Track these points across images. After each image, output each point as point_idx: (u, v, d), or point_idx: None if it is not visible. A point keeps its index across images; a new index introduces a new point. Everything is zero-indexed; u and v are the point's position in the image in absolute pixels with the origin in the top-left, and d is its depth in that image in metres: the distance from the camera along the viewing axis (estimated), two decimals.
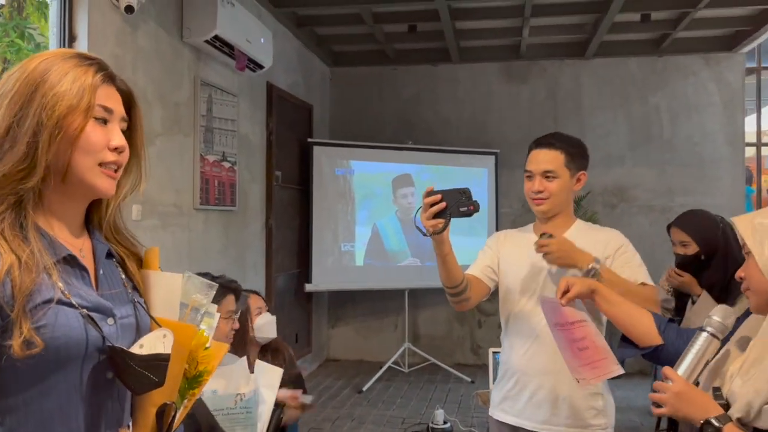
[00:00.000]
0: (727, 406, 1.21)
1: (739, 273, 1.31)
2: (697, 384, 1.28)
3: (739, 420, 1.17)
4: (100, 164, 1.03)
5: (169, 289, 1.13)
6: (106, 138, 1.03)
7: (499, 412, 2.09)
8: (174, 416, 1.10)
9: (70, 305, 0.97)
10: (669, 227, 2.88)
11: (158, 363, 1.01)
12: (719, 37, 6.00)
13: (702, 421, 1.19)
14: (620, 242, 2.01)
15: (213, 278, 1.35)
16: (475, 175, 6.13)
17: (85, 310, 0.98)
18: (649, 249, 6.24)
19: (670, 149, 6.21)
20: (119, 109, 1.06)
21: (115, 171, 1.05)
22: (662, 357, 1.53)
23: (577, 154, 2.01)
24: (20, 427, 0.95)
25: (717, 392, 1.25)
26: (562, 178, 1.98)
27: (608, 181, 6.20)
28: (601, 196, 6.22)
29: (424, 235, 1.76)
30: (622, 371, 1.61)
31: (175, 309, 1.13)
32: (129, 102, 1.10)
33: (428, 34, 5.79)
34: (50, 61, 1.02)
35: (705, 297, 2.61)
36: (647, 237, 6.25)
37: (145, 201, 3.37)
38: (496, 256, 2.11)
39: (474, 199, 1.72)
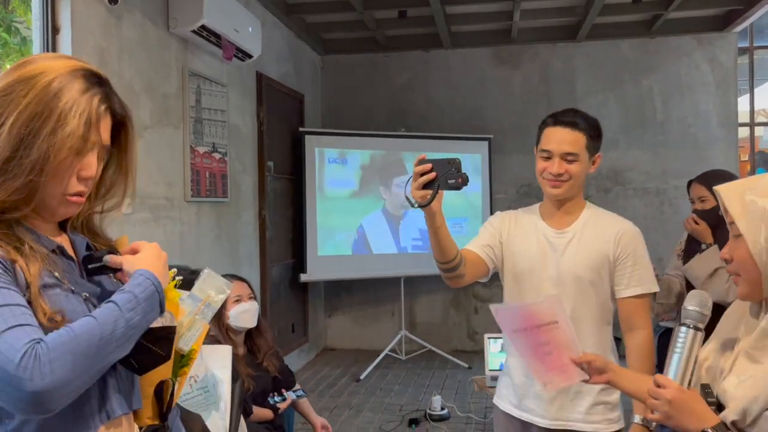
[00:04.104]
0: (718, 405, 1.14)
1: (725, 254, 1.20)
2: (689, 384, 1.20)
3: (733, 423, 1.11)
4: (67, 194, 1.05)
5: None
6: (76, 168, 1.05)
7: (506, 404, 1.98)
8: (172, 393, 1.14)
9: (71, 291, 1.03)
10: (690, 184, 2.94)
11: (166, 335, 1.06)
12: (711, 17, 5.96)
13: None
14: (632, 244, 1.90)
15: (192, 272, 1.42)
16: (468, 161, 6.10)
17: (86, 294, 1.05)
18: (643, 231, 6.30)
19: (663, 131, 6.19)
20: (105, 137, 1.09)
21: (80, 196, 1.07)
22: None
23: (596, 136, 1.92)
24: None
25: (707, 390, 1.18)
26: (582, 161, 1.89)
27: (602, 164, 6.02)
28: (596, 179, 6.21)
29: (413, 206, 1.66)
30: (586, 376, 1.49)
31: None
32: (122, 122, 1.12)
33: (419, 19, 5.74)
34: (61, 80, 1.02)
35: (714, 250, 2.66)
36: (642, 219, 6.28)
37: (136, 194, 3.33)
38: (499, 237, 1.98)
39: (463, 171, 1.62)
